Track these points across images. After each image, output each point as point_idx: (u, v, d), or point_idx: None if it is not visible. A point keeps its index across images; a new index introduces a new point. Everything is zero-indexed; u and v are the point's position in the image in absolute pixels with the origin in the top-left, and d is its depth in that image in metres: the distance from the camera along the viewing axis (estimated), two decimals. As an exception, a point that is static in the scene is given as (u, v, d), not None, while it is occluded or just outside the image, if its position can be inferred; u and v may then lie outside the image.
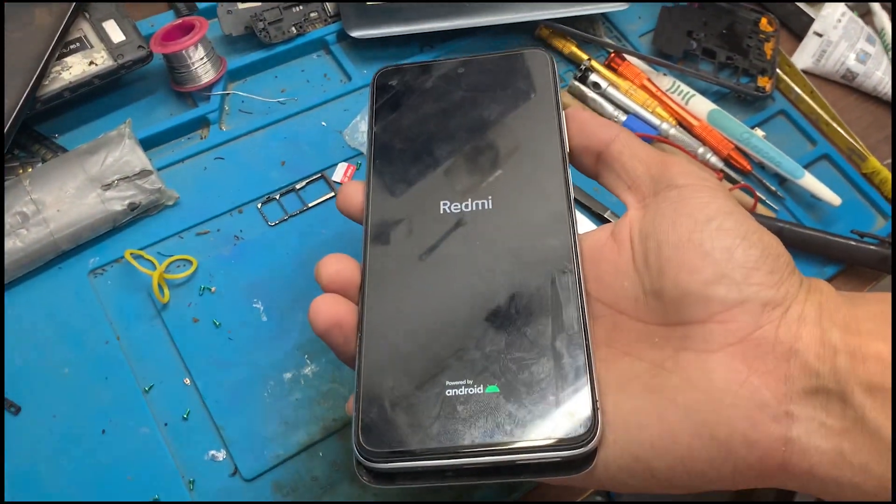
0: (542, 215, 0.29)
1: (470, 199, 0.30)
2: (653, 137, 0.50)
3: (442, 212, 0.30)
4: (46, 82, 0.43)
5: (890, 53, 0.56)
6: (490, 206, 0.30)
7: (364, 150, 0.47)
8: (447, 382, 0.26)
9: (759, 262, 0.25)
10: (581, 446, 0.24)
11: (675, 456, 0.24)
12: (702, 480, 0.24)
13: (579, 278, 0.28)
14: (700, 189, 0.28)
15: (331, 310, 0.27)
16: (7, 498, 0.35)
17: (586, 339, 0.26)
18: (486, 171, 0.31)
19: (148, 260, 0.42)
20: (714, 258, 0.25)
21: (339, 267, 0.29)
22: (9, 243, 0.40)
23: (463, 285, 0.28)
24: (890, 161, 0.53)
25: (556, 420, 0.25)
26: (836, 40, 0.56)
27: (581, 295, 0.27)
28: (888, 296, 0.25)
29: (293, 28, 0.51)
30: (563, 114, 0.32)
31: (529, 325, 0.27)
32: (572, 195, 0.30)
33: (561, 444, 0.24)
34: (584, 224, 0.46)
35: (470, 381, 0.26)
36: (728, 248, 0.26)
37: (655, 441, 0.24)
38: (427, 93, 0.33)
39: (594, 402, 0.25)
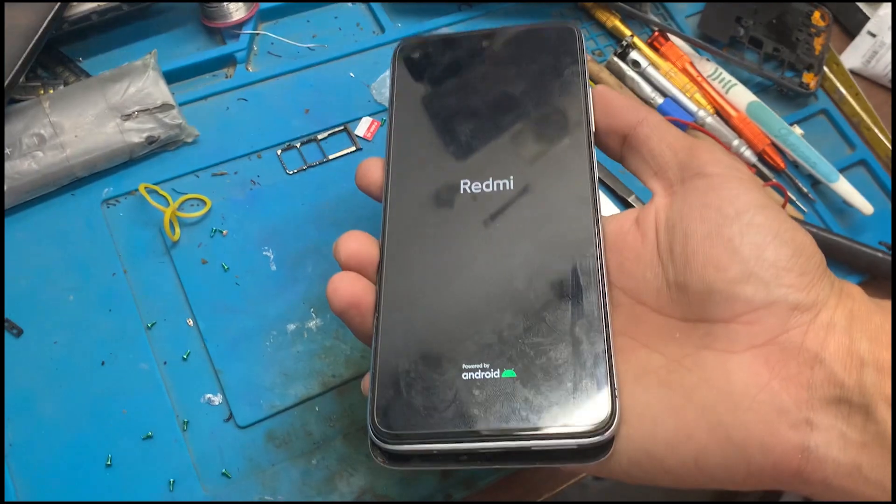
0: (566, 198, 0.29)
1: (491, 179, 0.29)
2: (688, 124, 0.48)
3: (462, 192, 0.29)
4: (75, 3, 0.42)
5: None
6: (512, 187, 0.29)
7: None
8: (464, 366, 0.26)
9: (791, 261, 0.25)
10: (598, 435, 0.24)
11: (689, 454, 0.24)
12: (713, 479, 0.24)
13: (601, 264, 0.27)
14: (730, 179, 0.27)
15: (349, 289, 0.27)
16: (4, 422, 0.35)
17: (606, 326, 0.26)
18: (508, 151, 0.30)
19: (162, 195, 0.41)
20: (743, 255, 0.25)
21: (358, 245, 0.28)
22: (24, 164, 0.39)
23: (482, 268, 0.27)
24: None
25: (573, 407, 0.24)
26: (889, 42, 0.54)
27: (602, 281, 0.27)
28: None
29: (331, -28, 0.49)
30: (590, 93, 0.31)
31: (548, 310, 0.26)
32: (597, 177, 0.29)
33: (578, 432, 0.24)
34: (607, 207, 0.45)
35: (487, 365, 0.25)
36: (758, 245, 0.25)
37: (670, 437, 0.24)
38: (450, 67, 0.32)
39: (612, 390, 0.25)
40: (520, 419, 0.24)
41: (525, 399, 0.25)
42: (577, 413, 0.24)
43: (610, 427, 0.24)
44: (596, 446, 0.24)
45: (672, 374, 0.25)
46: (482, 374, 0.25)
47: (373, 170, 0.30)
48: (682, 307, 0.26)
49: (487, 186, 0.29)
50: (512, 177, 0.29)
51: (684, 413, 0.24)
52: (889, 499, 0.22)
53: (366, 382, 0.27)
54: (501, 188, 0.29)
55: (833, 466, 0.23)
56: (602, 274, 0.27)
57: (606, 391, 0.25)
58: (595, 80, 0.50)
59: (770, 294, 0.24)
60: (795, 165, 0.49)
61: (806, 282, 0.24)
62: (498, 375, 0.25)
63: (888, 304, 0.25)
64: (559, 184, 0.29)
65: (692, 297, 0.25)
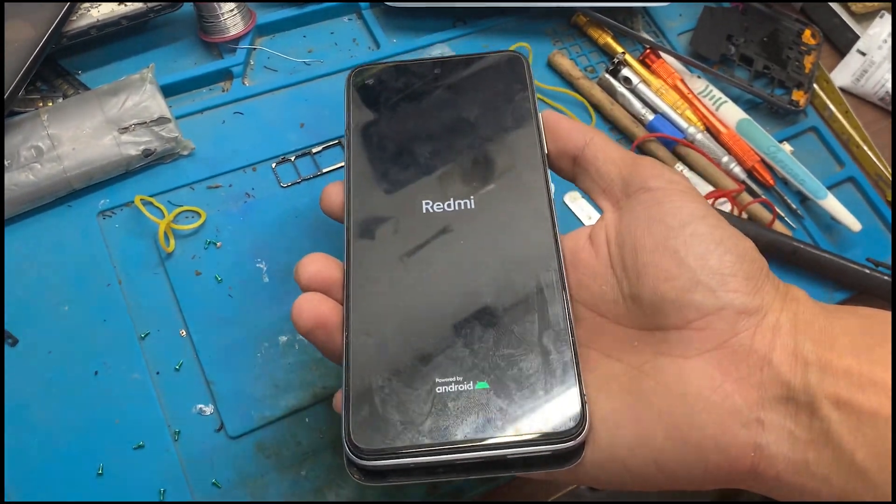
0: (524, 214, 0.30)
1: (452, 199, 0.30)
2: (678, 140, 0.49)
3: (424, 211, 0.30)
4: (74, 17, 0.43)
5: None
6: (472, 206, 0.30)
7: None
8: (437, 379, 0.26)
9: (735, 267, 0.26)
10: (571, 440, 0.25)
11: (649, 456, 0.25)
12: (675, 480, 0.25)
13: (562, 276, 0.28)
14: (672, 192, 0.28)
15: (315, 310, 0.28)
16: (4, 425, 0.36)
17: (572, 335, 0.27)
18: (466, 172, 0.31)
19: (157, 207, 0.42)
20: (689, 265, 0.26)
21: (318, 267, 0.29)
22: (21, 176, 0.40)
23: (448, 284, 0.28)
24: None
25: (546, 414, 0.25)
26: (879, 61, 0.54)
27: (565, 292, 0.28)
28: (865, 310, 0.26)
29: (327, -12, 0.50)
30: (540, 115, 0.32)
31: (516, 322, 0.27)
32: (553, 194, 0.30)
33: (551, 437, 0.25)
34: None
35: (460, 378, 0.26)
36: (702, 255, 0.26)
37: (631, 441, 0.25)
38: (404, 93, 0.33)
39: (582, 396, 0.26)
40: (495, 428, 0.25)
41: (499, 409, 0.25)
42: (550, 420, 0.25)
43: (582, 431, 0.25)
44: (569, 451, 0.25)
45: (633, 381, 0.26)
46: (456, 386, 0.26)
47: (336, 194, 0.31)
48: (638, 317, 0.27)
49: (449, 206, 0.30)
50: (472, 197, 0.30)
51: (644, 417, 0.25)
52: (830, 490, 0.23)
53: (338, 400, 0.27)
54: (463, 207, 0.30)
55: (784, 463, 0.24)
56: (564, 286, 0.28)
57: (576, 397, 0.26)
58: (587, 97, 0.50)
59: (718, 300, 0.25)
60: (784, 182, 0.50)
61: (751, 286, 0.26)
62: (472, 387, 0.26)
63: (833, 307, 0.26)
64: (518, 202, 0.30)
65: (646, 308, 0.27)
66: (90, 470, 0.36)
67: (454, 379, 0.26)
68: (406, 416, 0.25)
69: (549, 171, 0.31)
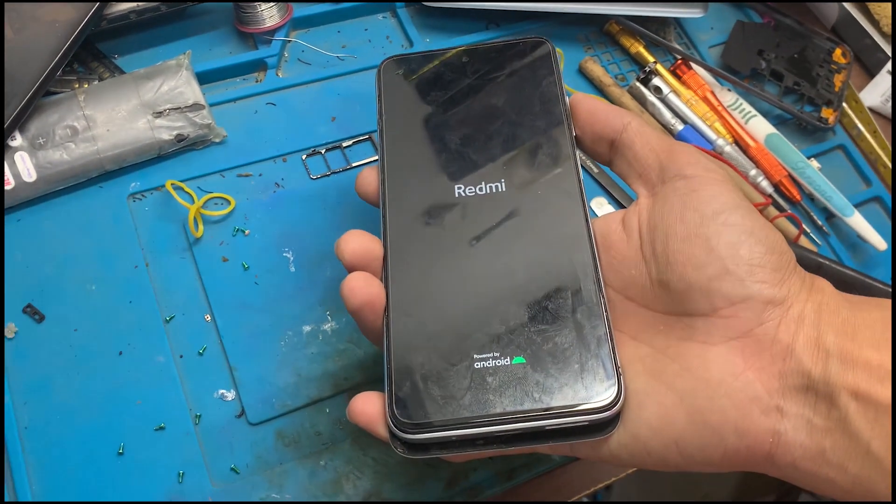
0: (555, 196, 0.31)
1: (484, 183, 0.31)
2: (706, 152, 0.49)
3: (457, 195, 0.31)
4: (115, 1, 0.43)
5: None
6: (504, 189, 0.31)
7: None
8: (475, 356, 0.27)
9: (764, 258, 0.26)
10: (607, 409, 0.26)
11: (670, 437, 0.26)
12: (693, 462, 0.26)
13: (594, 255, 0.29)
14: (707, 181, 0.28)
15: (365, 289, 0.28)
16: (19, 407, 0.36)
17: (605, 310, 0.28)
18: (497, 157, 0.32)
19: (187, 193, 0.42)
20: (719, 253, 0.26)
21: (359, 242, 0.29)
22: (56, 155, 0.40)
23: (483, 265, 0.29)
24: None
25: (582, 385, 0.26)
26: (909, 83, 0.54)
27: (597, 269, 0.29)
28: (889, 303, 0.26)
29: (364, -15, 0.50)
30: (567, 99, 0.33)
31: (550, 300, 0.28)
32: (582, 177, 0.31)
33: (588, 408, 0.26)
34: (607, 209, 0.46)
35: (497, 354, 0.27)
36: (733, 244, 0.26)
37: (653, 422, 0.26)
38: (433, 81, 0.34)
39: (616, 367, 0.26)
40: (533, 400, 0.26)
41: (536, 382, 0.26)
42: (586, 390, 0.26)
43: (618, 401, 0.26)
44: (606, 420, 0.26)
45: (656, 364, 0.27)
46: (493, 362, 0.27)
47: (370, 178, 0.32)
48: (666, 302, 0.28)
49: (481, 189, 0.31)
50: (503, 180, 0.31)
51: (666, 400, 0.26)
52: (845, 478, 0.24)
53: (353, 406, 0.28)
54: (494, 190, 0.31)
55: (800, 450, 0.25)
56: (596, 265, 0.29)
57: (611, 368, 0.26)
58: (617, 104, 0.50)
59: (746, 290, 0.26)
60: (811, 198, 0.50)
61: (778, 277, 0.26)
62: (509, 362, 0.27)
63: (857, 299, 0.26)
64: (549, 183, 0.31)
65: (674, 294, 0.27)
66: (111, 449, 0.36)
67: (492, 354, 0.27)
68: (446, 391, 0.26)
69: (578, 153, 0.32)
